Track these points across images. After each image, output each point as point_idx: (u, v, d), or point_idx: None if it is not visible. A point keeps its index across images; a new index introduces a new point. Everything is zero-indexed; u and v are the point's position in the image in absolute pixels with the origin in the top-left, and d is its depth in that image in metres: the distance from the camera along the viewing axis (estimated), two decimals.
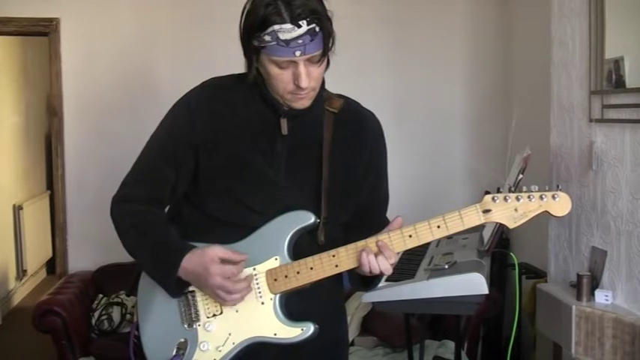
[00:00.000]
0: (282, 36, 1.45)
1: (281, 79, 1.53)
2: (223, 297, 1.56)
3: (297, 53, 1.47)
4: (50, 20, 4.01)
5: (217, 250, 1.55)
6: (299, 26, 1.45)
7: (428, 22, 4.19)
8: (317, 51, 1.49)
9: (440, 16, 4.19)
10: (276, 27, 1.45)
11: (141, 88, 4.04)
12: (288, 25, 1.45)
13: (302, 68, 1.50)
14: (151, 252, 1.62)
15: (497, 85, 4.19)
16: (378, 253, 1.54)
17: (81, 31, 4.05)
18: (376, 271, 1.55)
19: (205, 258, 1.54)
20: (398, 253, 1.57)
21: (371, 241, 1.55)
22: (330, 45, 1.53)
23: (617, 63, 2.44)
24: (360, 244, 1.55)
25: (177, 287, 1.60)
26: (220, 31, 3.75)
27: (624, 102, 2.41)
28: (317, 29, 1.47)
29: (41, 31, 4.05)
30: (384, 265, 1.54)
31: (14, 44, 5.83)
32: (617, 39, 2.48)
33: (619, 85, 2.44)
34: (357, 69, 4.04)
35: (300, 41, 1.46)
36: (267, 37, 1.47)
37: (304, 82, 1.51)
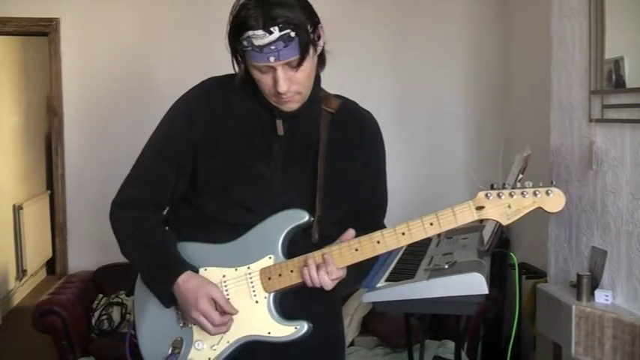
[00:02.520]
0: (256, 42, 1.46)
1: (264, 82, 1.54)
2: (197, 326, 1.59)
3: (272, 59, 1.47)
4: (50, 20, 4.01)
5: (214, 292, 1.57)
6: (270, 32, 1.45)
7: (428, 21, 4.19)
8: (292, 57, 1.49)
9: (440, 15, 4.19)
10: (250, 33, 1.46)
11: (141, 88, 4.04)
12: (260, 32, 1.45)
13: (280, 73, 1.50)
14: (151, 264, 1.63)
15: (497, 85, 4.19)
16: (320, 267, 1.54)
17: (81, 31, 4.05)
18: (317, 285, 1.54)
19: (200, 291, 1.56)
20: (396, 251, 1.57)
21: (364, 239, 1.55)
22: (309, 50, 1.51)
23: (617, 63, 2.44)
24: (353, 242, 1.56)
25: (172, 300, 1.62)
26: (220, 31, 3.72)
27: (624, 102, 2.41)
28: (292, 34, 1.47)
29: (41, 31, 4.05)
30: (323, 279, 1.53)
31: (14, 44, 5.83)
32: (617, 39, 2.47)
33: (619, 85, 2.43)
34: (357, 68, 4.05)
35: (272, 47, 1.46)
36: (244, 43, 1.48)
37: (282, 87, 1.51)
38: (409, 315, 2.89)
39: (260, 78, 1.53)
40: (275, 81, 1.51)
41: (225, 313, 1.57)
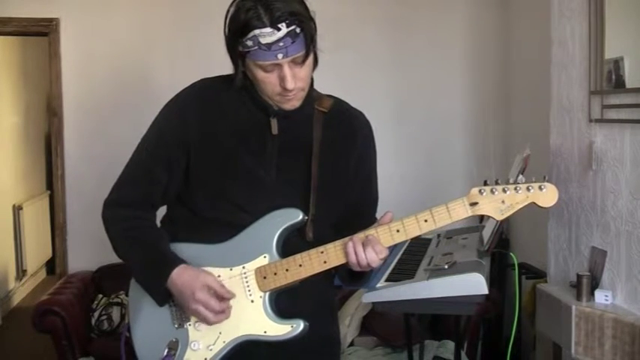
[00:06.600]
0: (263, 40, 1.47)
1: (268, 82, 1.54)
2: (198, 319, 1.60)
3: (280, 56, 1.48)
4: (50, 20, 4.01)
5: (210, 280, 1.57)
6: (278, 29, 1.46)
7: (428, 22, 4.19)
8: (299, 52, 1.50)
9: (440, 16, 4.19)
10: (256, 32, 1.46)
11: (140, 88, 4.04)
12: (268, 29, 1.46)
13: (287, 70, 1.51)
14: (143, 261, 1.63)
15: (497, 85, 4.19)
16: (367, 245, 1.53)
17: (81, 31, 4.05)
18: (363, 262, 1.54)
19: (196, 282, 1.56)
20: (389, 247, 1.57)
21: (358, 237, 1.55)
22: (312, 45, 1.53)
23: (617, 63, 2.44)
24: (348, 239, 1.56)
25: (166, 297, 1.62)
26: (219, 31, 3.74)
27: (624, 102, 2.41)
28: (298, 30, 1.48)
29: (41, 31, 4.05)
30: (371, 256, 1.53)
31: (14, 44, 5.83)
32: (617, 39, 2.47)
33: (619, 85, 2.43)
34: (357, 69, 4.05)
35: (281, 44, 1.47)
36: (249, 42, 1.48)
37: (290, 84, 1.52)
38: (409, 315, 2.89)
39: (263, 78, 1.53)
40: (281, 79, 1.52)
41: (223, 299, 1.57)
